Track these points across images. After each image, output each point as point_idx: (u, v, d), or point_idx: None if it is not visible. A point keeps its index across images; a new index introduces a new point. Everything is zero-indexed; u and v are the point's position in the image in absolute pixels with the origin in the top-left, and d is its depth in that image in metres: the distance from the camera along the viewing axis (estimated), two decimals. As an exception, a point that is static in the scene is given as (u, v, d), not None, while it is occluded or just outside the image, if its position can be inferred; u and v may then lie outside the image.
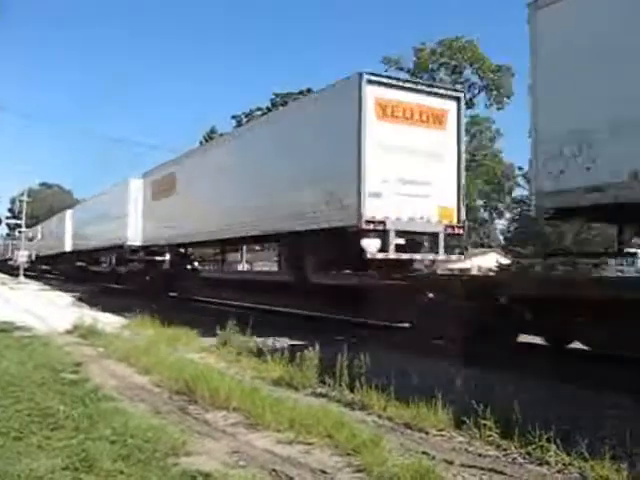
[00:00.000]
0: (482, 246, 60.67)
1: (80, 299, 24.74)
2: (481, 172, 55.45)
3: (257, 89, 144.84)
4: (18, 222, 62.03)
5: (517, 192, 64.07)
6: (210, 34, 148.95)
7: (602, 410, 6.78)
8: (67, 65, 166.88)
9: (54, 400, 7.29)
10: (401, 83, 14.72)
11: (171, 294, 26.62)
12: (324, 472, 5.26)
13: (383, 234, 13.47)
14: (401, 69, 55.88)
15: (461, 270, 19.20)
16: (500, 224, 71.93)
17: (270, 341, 11.70)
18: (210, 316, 16.83)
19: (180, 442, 5.84)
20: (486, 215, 67.02)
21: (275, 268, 21.30)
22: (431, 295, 12.37)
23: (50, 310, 19.84)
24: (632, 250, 12.44)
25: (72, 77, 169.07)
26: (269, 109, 53.09)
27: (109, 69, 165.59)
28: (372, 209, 13.36)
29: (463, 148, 15.10)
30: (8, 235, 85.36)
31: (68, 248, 42.48)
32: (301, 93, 50.12)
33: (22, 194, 62.22)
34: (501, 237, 71.39)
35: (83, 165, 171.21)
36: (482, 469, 5.38)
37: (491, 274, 15.10)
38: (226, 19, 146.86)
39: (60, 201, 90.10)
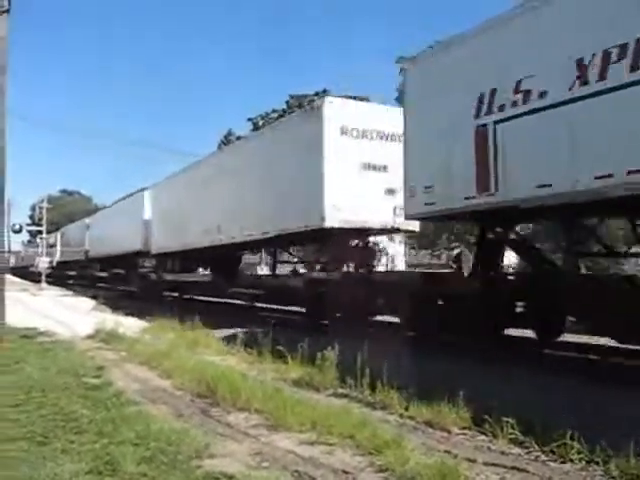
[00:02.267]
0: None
1: (101, 304, 24.91)
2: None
3: (273, 91, 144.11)
4: (39, 229, 62.46)
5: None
6: (224, 35, 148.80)
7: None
8: (84, 71, 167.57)
9: (77, 405, 7.36)
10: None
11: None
12: (346, 472, 5.26)
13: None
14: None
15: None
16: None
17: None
18: (229, 317, 16.92)
19: (203, 444, 5.87)
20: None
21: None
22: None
23: (72, 315, 20.00)
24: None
25: (89, 83, 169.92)
26: (284, 111, 53.00)
27: (124, 73, 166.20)
28: None
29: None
30: (29, 242, 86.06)
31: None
32: (317, 94, 49.93)
33: (42, 201, 62.80)
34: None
35: (102, 171, 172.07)
36: (505, 467, 5.37)
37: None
38: (240, 18, 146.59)
39: (80, 207, 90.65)
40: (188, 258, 26.86)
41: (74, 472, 5.02)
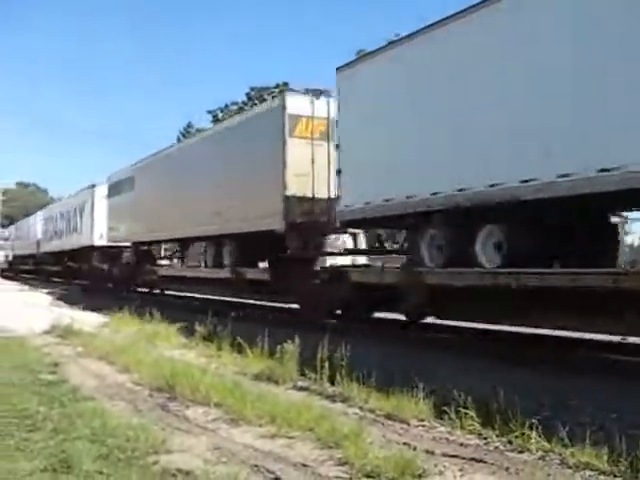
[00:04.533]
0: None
1: (59, 299, 24.53)
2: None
3: (234, 83, 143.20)
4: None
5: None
6: (186, 25, 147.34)
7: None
8: (38, 55, 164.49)
9: (32, 401, 7.20)
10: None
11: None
12: (306, 466, 5.24)
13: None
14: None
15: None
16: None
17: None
18: (189, 312, 16.80)
19: (160, 440, 5.78)
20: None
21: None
22: None
23: (28, 311, 19.61)
24: None
25: (43, 69, 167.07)
26: (245, 103, 52.74)
27: (83, 63, 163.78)
28: None
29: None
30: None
31: None
32: (277, 87, 49.70)
33: (-3, 194, 61.66)
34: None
35: (58, 162, 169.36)
36: (463, 458, 5.39)
37: None
38: (201, 10, 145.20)
39: (36, 200, 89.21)
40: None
41: (28, 470, 4.92)
